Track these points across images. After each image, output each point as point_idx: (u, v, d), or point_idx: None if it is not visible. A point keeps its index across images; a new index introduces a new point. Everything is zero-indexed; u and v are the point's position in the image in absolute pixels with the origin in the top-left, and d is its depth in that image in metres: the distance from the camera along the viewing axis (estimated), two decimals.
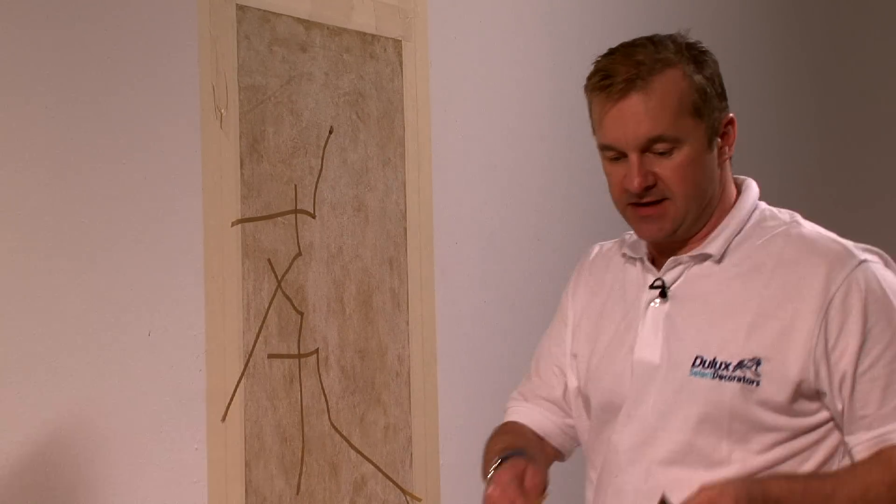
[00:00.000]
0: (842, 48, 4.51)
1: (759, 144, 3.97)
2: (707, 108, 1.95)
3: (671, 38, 1.98)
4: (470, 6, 3.09)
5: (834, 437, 1.94)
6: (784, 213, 2.02)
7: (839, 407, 1.90)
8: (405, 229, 2.80)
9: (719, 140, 1.97)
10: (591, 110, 1.98)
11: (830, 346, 1.88)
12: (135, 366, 2.26)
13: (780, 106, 4.18)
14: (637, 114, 1.93)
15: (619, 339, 2.00)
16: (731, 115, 1.99)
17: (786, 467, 1.91)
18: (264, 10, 2.51)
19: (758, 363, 1.89)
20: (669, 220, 1.96)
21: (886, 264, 1.95)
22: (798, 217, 2.02)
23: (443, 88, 2.95)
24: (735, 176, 2.04)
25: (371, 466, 2.69)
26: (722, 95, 1.98)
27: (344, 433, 2.64)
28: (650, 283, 1.99)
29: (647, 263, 2.02)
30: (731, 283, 1.94)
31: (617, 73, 1.92)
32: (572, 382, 2.10)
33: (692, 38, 2.00)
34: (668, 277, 1.97)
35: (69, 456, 2.15)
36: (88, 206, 2.20)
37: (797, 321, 1.89)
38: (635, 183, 1.95)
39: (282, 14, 2.55)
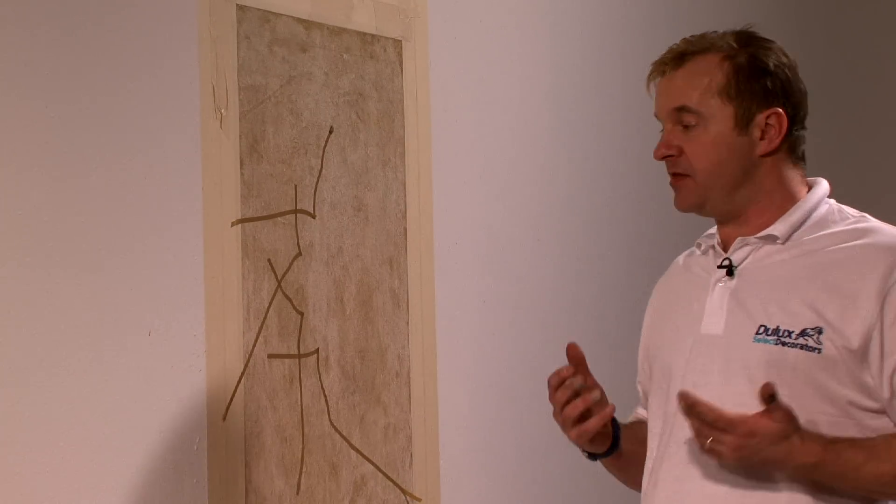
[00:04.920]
0: (841, 49, 4.51)
1: None
2: (738, 93, 2.07)
3: (733, 32, 2.14)
4: (470, 6, 3.08)
5: None
6: (854, 211, 2.11)
7: (886, 395, 1.96)
8: (405, 229, 2.80)
9: (758, 131, 2.07)
10: None
11: (886, 328, 1.95)
12: (135, 366, 2.26)
13: None
14: (670, 87, 2.13)
15: (686, 315, 2.10)
16: (779, 111, 2.07)
17: None
18: (264, 10, 2.51)
19: (819, 332, 1.97)
20: (691, 193, 2.10)
21: None
22: (868, 215, 2.10)
23: (443, 88, 2.95)
24: (809, 178, 2.14)
25: (371, 466, 2.69)
26: (767, 95, 2.08)
27: (344, 433, 2.64)
28: (718, 264, 2.09)
29: (718, 249, 2.12)
30: (796, 261, 2.04)
31: (667, 54, 2.15)
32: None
33: (769, 39, 2.14)
34: (735, 257, 2.08)
35: (69, 456, 2.15)
36: (88, 206, 2.20)
37: (859, 299, 1.97)
38: (658, 151, 2.14)
39: (282, 14, 2.55)
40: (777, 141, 2.08)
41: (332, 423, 2.61)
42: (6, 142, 2.08)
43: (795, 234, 2.06)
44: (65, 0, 2.18)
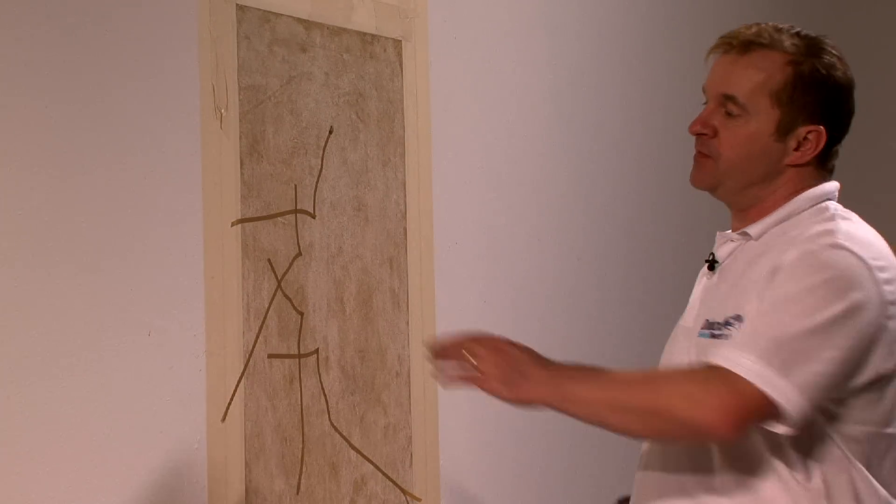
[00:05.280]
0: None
1: None
2: (788, 101, 2.07)
3: (806, 35, 2.12)
4: (470, 6, 3.08)
5: (827, 447, 1.99)
6: (842, 213, 2.09)
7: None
8: (405, 229, 2.80)
9: (795, 141, 2.07)
10: None
11: (764, 291, 1.97)
12: (135, 366, 2.26)
13: None
14: (726, 70, 2.10)
15: (686, 306, 2.17)
16: (821, 129, 2.08)
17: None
18: (264, 10, 2.51)
19: (740, 319, 1.99)
20: (708, 174, 2.11)
21: (862, 262, 1.96)
22: (850, 218, 2.07)
23: (443, 88, 2.95)
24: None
25: (371, 466, 2.69)
26: (816, 110, 2.07)
27: (344, 433, 2.64)
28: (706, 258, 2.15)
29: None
30: (753, 258, 2.06)
31: (736, 35, 2.11)
32: None
33: (841, 54, 2.13)
34: (720, 252, 2.12)
35: (69, 456, 2.15)
36: (88, 206, 2.20)
37: (759, 284, 1.99)
38: (693, 126, 2.11)
39: (282, 14, 2.55)
40: (809, 156, 2.09)
41: (332, 423, 2.61)
42: (6, 142, 2.08)
43: (769, 232, 2.07)
44: (65, 0, 2.18)
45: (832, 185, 2.14)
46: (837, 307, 1.93)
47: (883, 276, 1.98)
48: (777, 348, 1.92)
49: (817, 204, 2.10)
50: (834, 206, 2.11)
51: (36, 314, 2.11)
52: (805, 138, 2.08)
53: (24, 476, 2.09)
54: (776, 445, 1.99)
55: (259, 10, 2.50)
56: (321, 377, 2.59)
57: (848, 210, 2.13)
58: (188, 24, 2.37)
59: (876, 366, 1.97)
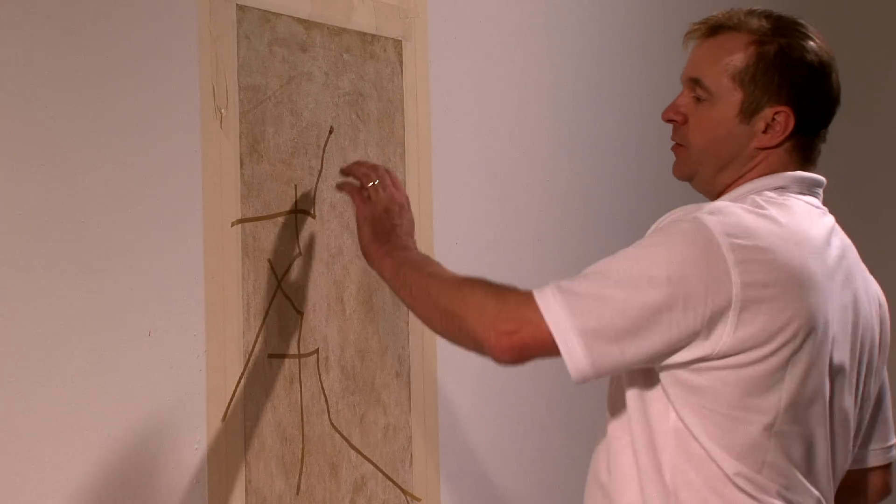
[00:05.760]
0: (842, 50, 4.51)
1: None
2: (750, 82, 2.05)
3: (776, 16, 2.10)
4: (470, 6, 3.08)
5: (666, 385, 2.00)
6: (772, 199, 2.04)
7: None
8: None
9: (762, 123, 2.04)
10: None
11: None
12: (135, 366, 2.26)
13: None
14: (695, 55, 2.12)
15: None
16: (788, 110, 2.04)
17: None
18: (264, 10, 2.51)
19: None
20: (684, 163, 2.13)
21: (729, 234, 1.95)
22: (783, 209, 2.02)
23: (443, 88, 2.95)
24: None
25: (371, 466, 2.69)
26: (783, 91, 2.04)
27: (344, 433, 2.64)
28: None
29: None
30: None
31: (707, 20, 2.13)
32: None
33: (819, 37, 2.11)
34: None
35: (69, 456, 2.15)
36: (88, 206, 2.20)
37: None
38: (665, 112, 2.13)
39: (282, 14, 2.55)
40: (778, 139, 2.06)
41: (332, 423, 2.61)
42: (6, 142, 2.08)
43: None
44: (65, 0, 2.18)
45: (800, 175, 2.08)
46: (659, 273, 1.91)
47: (739, 255, 1.92)
48: (584, 298, 1.93)
49: (765, 191, 2.06)
50: (773, 197, 2.04)
51: (36, 314, 2.11)
52: (773, 119, 2.05)
53: (24, 476, 2.09)
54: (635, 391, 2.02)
55: (259, 10, 2.50)
56: (321, 377, 2.59)
57: (815, 206, 2.07)
58: (188, 24, 2.37)
59: (719, 343, 1.92)
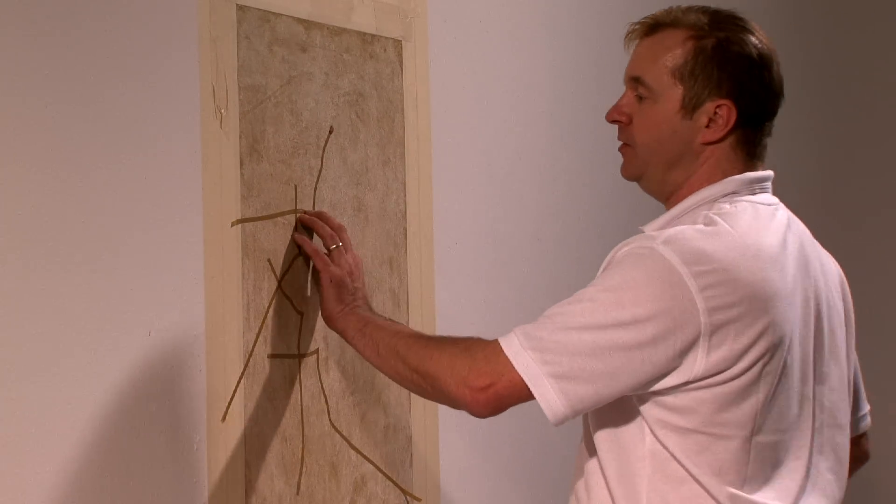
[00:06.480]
0: (842, 50, 4.51)
1: None
2: (689, 77, 2.04)
3: (714, 10, 2.09)
4: (470, 6, 3.09)
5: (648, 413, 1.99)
6: (724, 210, 2.02)
7: None
8: (405, 229, 2.80)
9: (705, 118, 2.04)
10: None
11: None
12: (135, 366, 2.26)
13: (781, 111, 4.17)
14: (635, 54, 2.12)
15: None
16: (729, 103, 2.02)
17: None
18: (264, 10, 2.51)
19: None
20: (631, 163, 2.13)
21: (683, 258, 1.94)
22: (729, 216, 2.01)
23: (443, 88, 2.95)
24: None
25: (371, 466, 2.69)
26: (723, 85, 2.04)
27: (344, 433, 2.64)
28: None
29: None
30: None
31: (643, 20, 2.13)
32: None
33: (758, 30, 2.09)
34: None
35: (69, 456, 2.15)
36: (88, 206, 2.20)
37: None
38: (608, 113, 2.15)
39: (282, 14, 2.55)
40: (721, 133, 2.05)
41: (332, 423, 2.61)
42: (6, 142, 2.08)
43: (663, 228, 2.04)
44: (65, 0, 2.18)
45: (748, 177, 2.07)
46: (625, 313, 1.90)
47: (701, 281, 1.91)
48: (552, 343, 1.91)
49: (716, 201, 2.04)
50: (725, 207, 2.02)
51: (35, 314, 2.11)
52: (715, 113, 2.04)
53: (24, 476, 2.09)
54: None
55: (259, 10, 2.50)
56: (321, 377, 2.59)
57: (767, 203, 2.06)
58: (188, 24, 2.37)
59: (693, 369, 1.92)
